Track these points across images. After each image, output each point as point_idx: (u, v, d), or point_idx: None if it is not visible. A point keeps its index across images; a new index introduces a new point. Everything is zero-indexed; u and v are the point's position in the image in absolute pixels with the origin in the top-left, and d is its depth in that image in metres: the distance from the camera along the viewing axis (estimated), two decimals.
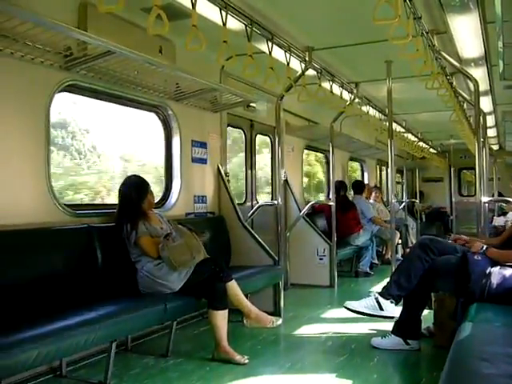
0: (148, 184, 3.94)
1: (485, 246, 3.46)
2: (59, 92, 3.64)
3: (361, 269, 7.42)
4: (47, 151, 3.51)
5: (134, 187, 3.89)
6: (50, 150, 3.55)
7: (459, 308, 3.32)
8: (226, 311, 3.63)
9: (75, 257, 3.51)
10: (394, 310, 3.64)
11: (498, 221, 8.97)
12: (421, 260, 3.62)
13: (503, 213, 9.64)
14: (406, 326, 3.78)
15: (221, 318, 3.59)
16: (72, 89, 3.81)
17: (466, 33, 4.35)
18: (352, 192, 8.53)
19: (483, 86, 5.79)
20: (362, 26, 4.19)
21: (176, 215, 4.67)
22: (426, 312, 4.14)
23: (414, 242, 9.81)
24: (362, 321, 4.72)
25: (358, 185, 8.68)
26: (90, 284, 3.57)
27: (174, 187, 4.85)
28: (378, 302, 3.67)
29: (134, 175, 4.14)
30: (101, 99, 4.27)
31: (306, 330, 4.54)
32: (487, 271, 3.30)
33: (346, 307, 3.87)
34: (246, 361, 3.56)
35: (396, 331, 3.80)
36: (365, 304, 3.71)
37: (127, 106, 4.57)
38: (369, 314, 3.67)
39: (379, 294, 3.73)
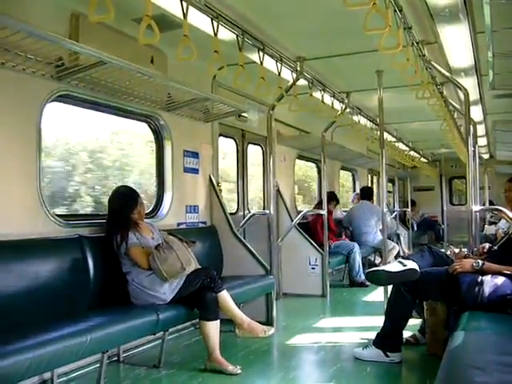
0: (138, 194, 3.93)
1: (480, 262, 3.45)
2: (50, 102, 3.63)
3: (357, 279, 7.28)
4: (38, 161, 3.49)
5: (123, 198, 3.88)
6: (41, 160, 3.53)
7: (451, 316, 3.32)
8: (218, 321, 3.62)
9: (66, 267, 3.48)
10: (415, 265, 3.61)
11: (489, 229, 9.02)
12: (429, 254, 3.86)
13: (494, 221, 9.69)
14: (386, 339, 3.77)
15: (213, 328, 3.57)
16: (63, 99, 3.80)
17: (455, 43, 4.39)
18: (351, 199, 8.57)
19: (473, 95, 5.83)
20: (353, 36, 4.22)
21: (168, 225, 4.66)
22: (416, 321, 4.16)
23: (406, 251, 9.85)
24: (354, 330, 4.75)
25: (366, 190, 8.75)
26: (82, 294, 3.55)
27: (165, 197, 4.84)
28: (401, 263, 3.65)
29: (124, 186, 4.12)
30: (92, 109, 4.27)
31: (299, 339, 4.53)
32: (479, 279, 3.31)
33: (372, 271, 3.82)
34: (239, 371, 3.55)
35: (377, 343, 3.79)
36: (391, 266, 3.69)
37: (119, 116, 4.57)
38: (396, 271, 3.60)
39: (402, 258, 3.82)
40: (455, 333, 2.65)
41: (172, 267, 3.59)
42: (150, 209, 4.76)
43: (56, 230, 3.62)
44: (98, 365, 3.26)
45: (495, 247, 3.85)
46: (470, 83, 5.39)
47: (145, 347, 4.13)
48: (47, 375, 3.26)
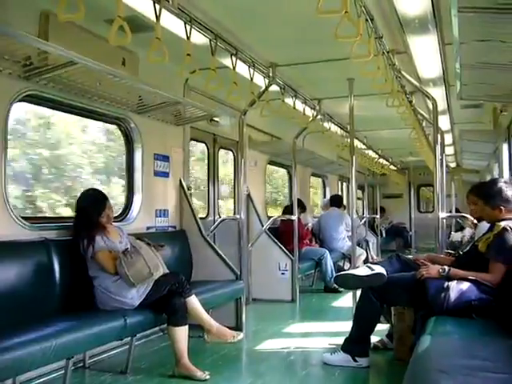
0: (106, 198, 3.87)
1: (446, 268, 3.50)
2: (17, 102, 3.55)
3: (330, 284, 7.17)
4: (3, 161, 3.41)
5: (91, 201, 3.82)
6: (6, 161, 3.45)
7: (418, 321, 3.36)
8: (186, 327, 3.58)
9: (31, 271, 3.40)
10: (383, 269, 3.67)
11: (456, 236, 9.18)
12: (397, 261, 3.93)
13: (460, 228, 9.87)
14: (354, 344, 3.80)
15: (181, 333, 3.54)
16: (31, 99, 3.73)
17: (425, 53, 4.48)
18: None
19: (441, 105, 5.95)
20: (325, 44, 4.26)
21: (137, 229, 4.60)
22: (384, 326, 4.20)
23: (375, 257, 9.96)
24: (323, 335, 4.77)
25: (336, 198, 8.82)
26: (47, 299, 3.47)
27: (135, 201, 4.78)
28: (369, 267, 3.71)
29: (92, 189, 4.06)
30: (61, 110, 4.21)
31: (268, 344, 4.52)
32: (445, 285, 3.36)
33: (341, 275, 3.90)
34: (208, 377, 3.52)
35: (345, 348, 3.82)
36: (359, 270, 3.75)
37: (89, 117, 4.51)
38: (363, 275, 3.66)
39: (370, 263, 3.88)
40: (422, 337, 2.69)
41: (139, 272, 3.55)
42: (119, 212, 4.70)
43: (21, 232, 3.54)
44: (62, 371, 3.19)
45: (462, 251, 3.92)
46: (438, 93, 5.50)
47: (111, 353, 4.06)
48: (9, 382, 3.16)
